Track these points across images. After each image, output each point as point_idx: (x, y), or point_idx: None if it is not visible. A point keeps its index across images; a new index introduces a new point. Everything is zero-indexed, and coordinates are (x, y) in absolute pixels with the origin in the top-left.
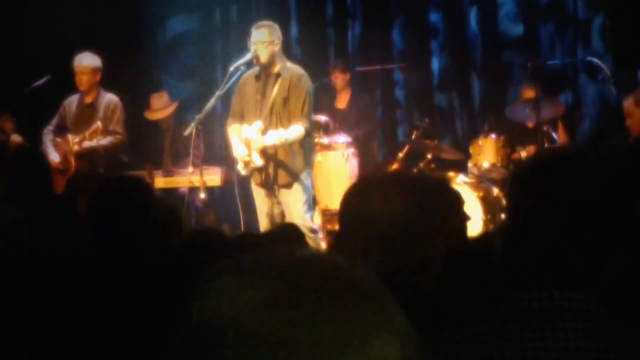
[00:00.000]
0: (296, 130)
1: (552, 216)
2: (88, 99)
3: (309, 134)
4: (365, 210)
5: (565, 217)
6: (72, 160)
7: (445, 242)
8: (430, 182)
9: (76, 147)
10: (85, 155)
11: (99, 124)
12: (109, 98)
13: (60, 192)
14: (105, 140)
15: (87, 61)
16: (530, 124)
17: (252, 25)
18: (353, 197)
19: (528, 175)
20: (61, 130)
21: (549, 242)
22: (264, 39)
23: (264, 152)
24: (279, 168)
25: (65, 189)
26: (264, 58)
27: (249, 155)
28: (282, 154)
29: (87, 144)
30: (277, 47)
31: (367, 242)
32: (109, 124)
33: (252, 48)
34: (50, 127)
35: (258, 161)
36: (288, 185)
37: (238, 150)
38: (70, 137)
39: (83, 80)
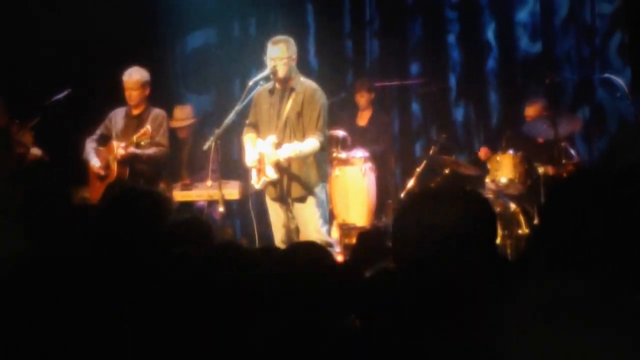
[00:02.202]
0: (311, 144)
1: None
2: (136, 111)
3: (323, 148)
4: (420, 222)
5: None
6: (115, 166)
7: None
8: (481, 196)
9: (121, 152)
10: (128, 162)
11: (148, 127)
12: (157, 111)
13: (97, 199)
14: (150, 150)
15: (137, 76)
16: (540, 140)
17: (269, 40)
18: (407, 209)
19: (569, 191)
20: (105, 141)
21: (589, 254)
22: (282, 55)
23: (277, 166)
24: (293, 181)
25: (103, 196)
26: (281, 74)
27: (263, 168)
28: (296, 167)
29: (132, 149)
30: (294, 63)
31: (421, 253)
32: (156, 135)
33: (270, 64)
34: (94, 137)
35: (272, 175)
36: (302, 199)
37: (250, 158)
38: (115, 143)
39: (133, 95)
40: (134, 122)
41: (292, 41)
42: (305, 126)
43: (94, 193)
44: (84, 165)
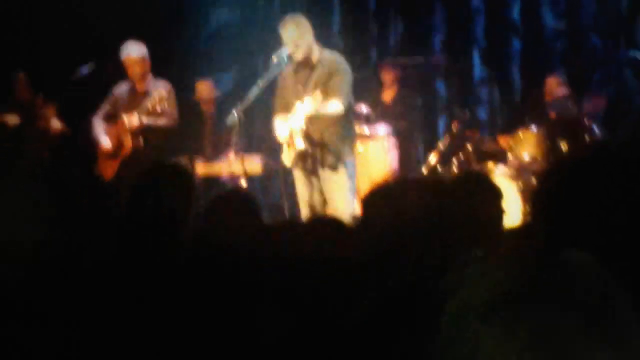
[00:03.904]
0: (334, 105)
1: (592, 212)
2: (140, 86)
3: (346, 114)
4: (388, 211)
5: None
6: (127, 140)
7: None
8: (449, 184)
9: (134, 122)
10: (140, 134)
11: (162, 91)
12: (163, 83)
13: (110, 177)
14: (161, 121)
15: (134, 52)
16: (564, 117)
17: (279, 24)
18: (376, 199)
19: (567, 171)
20: (111, 118)
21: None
22: (293, 36)
23: (307, 137)
24: (325, 151)
25: (118, 171)
26: (300, 55)
27: (293, 141)
28: (329, 138)
29: (145, 120)
30: (309, 38)
31: (391, 241)
32: (165, 106)
33: (287, 47)
34: (99, 115)
35: (300, 145)
36: (334, 168)
37: (282, 133)
38: (124, 117)
39: (135, 71)
40: (140, 97)
41: (300, 18)
42: (330, 93)
43: (105, 170)
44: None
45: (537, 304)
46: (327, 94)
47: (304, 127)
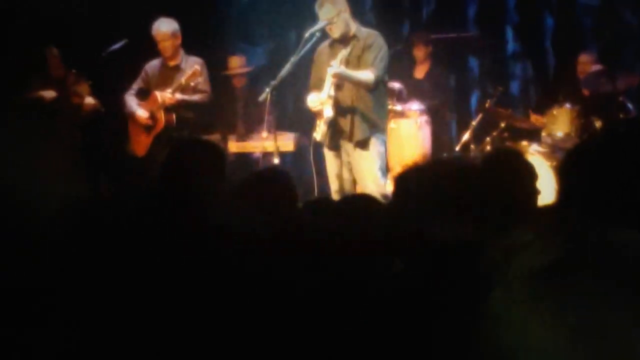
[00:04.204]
0: (364, 74)
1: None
2: (172, 62)
3: (376, 85)
4: (421, 190)
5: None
6: (161, 115)
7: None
8: (482, 163)
9: (168, 98)
10: (174, 110)
11: (196, 67)
12: (194, 59)
13: (143, 154)
14: (195, 97)
15: (165, 27)
16: (598, 94)
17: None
18: (409, 178)
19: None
20: (145, 94)
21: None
22: (331, 15)
23: (337, 104)
24: (356, 122)
25: (151, 147)
26: (337, 34)
27: (322, 111)
28: (360, 108)
29: (179, 96)
30: (346, 14)
31: (423, 220)
32: (198, 83)
33: (323, 24)
34: (132, 91)
35: (329, 112)
36: (364, 145)
37: (312, 101)
38: (157, 93)
39: (167, 47)
40: (172, 73)
41: None
42: (362, 66)
43: (138, 147)
44: (126, 119)
45: (589, 279)
46: (359, 66)
47: (333, 93)
